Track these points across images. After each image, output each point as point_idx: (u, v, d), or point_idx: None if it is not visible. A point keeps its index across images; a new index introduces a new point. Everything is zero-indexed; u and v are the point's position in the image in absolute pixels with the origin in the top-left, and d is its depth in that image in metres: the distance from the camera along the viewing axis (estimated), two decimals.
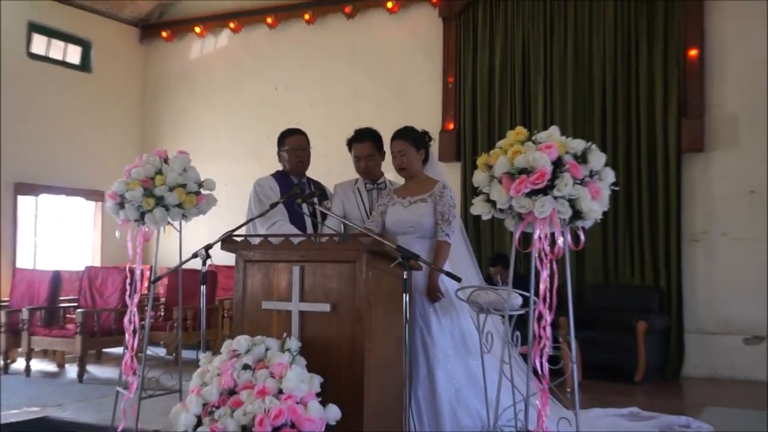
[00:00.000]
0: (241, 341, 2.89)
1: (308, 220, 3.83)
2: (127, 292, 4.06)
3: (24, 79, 8.20)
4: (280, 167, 4.09)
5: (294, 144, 3.98)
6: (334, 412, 2.70)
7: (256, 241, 3.25)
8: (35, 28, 8.39)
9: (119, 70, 9.35)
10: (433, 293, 3.49)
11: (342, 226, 3.84)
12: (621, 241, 6.79)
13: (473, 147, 7.41)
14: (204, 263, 3.12)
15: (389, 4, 7.93)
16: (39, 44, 8.47)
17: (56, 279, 7.05)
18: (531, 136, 2.89)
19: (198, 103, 9.32)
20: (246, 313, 3.18)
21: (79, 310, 6.49)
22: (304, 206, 3.62)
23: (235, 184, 7.68)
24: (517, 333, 3.00)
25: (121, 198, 3.89)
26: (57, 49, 8.72)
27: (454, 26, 7.62)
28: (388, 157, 3.79)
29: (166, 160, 4.03)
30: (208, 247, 3.11)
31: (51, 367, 6.96)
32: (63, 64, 8.79)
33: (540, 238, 2.74)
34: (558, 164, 2.76)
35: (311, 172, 4.12)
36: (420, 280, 3.49)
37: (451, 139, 7.52)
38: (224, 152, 8.90)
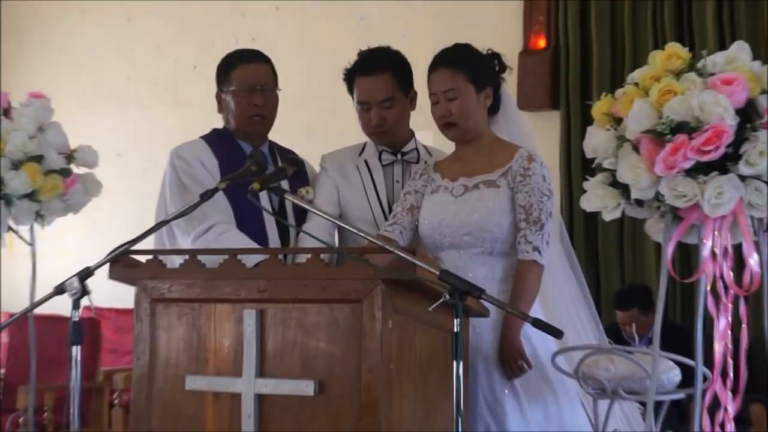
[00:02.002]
0: None
1: (272, 223, 3.84)
2: None
3: None
4: (219, 124, 4.11)
5: (246, 80, 4.00)
6: None
7: (176, 261, 3.26)
8: None
9: None
10: (512, 360, 3.50)
11: (336, 234, 3.85)
12: None
13: (583, 83, 7.43)
14: (76, 305, 3.12)
15: None
16: None
17: None
18: (695, 61, 2.88)
19: (67, 5, 9.39)
20: (155, 397, 3.18)
21: None
22: (265, 197, 3.63)
23: (134, 155, 7.75)
24: None
25: None
26: None
27: None
28: (422, 103, 3.80)
29: (6, 112, 4.06)
30: (85, 274, 3.11)
31: None
32: None
33: (714, 254, 2.73)
34: (747, 114, 2.77)
35: (278, 133, 4.14)
36: (486, 334, 3.51)
37: (543, 68, 7.54)
38: (114, 95, 8.99)
